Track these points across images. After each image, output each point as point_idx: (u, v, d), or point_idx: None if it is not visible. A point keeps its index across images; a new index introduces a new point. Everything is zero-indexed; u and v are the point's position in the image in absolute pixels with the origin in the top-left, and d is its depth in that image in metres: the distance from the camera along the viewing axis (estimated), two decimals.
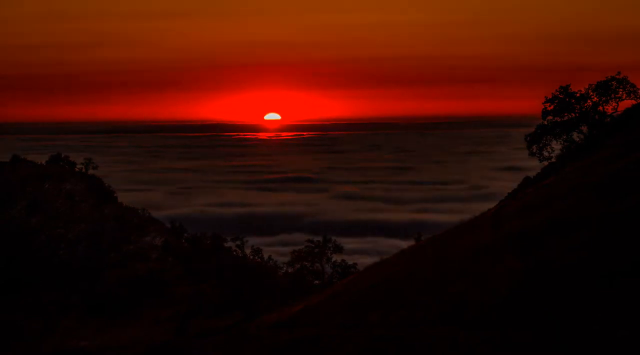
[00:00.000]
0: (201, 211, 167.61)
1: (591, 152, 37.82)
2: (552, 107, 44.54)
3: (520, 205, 31.34)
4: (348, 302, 28.73)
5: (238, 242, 61.44)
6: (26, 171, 75.32)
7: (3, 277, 60.80)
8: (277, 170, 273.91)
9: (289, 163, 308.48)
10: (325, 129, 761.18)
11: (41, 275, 61.52)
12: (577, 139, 44.00)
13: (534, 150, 44.20)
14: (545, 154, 44.12)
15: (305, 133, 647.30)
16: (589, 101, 44.14)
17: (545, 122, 44.58)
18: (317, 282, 53.16)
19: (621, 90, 43.58)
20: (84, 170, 77.13)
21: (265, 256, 60.91)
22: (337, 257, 54.00)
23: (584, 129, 44.11)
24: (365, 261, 52.86)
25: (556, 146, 44.40)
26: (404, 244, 56.31)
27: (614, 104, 43.87)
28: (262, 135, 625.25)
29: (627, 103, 43.78)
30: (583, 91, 44.30)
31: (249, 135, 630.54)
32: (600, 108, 44.00)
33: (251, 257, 60.73)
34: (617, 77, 43.68)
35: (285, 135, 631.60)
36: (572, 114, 44.27)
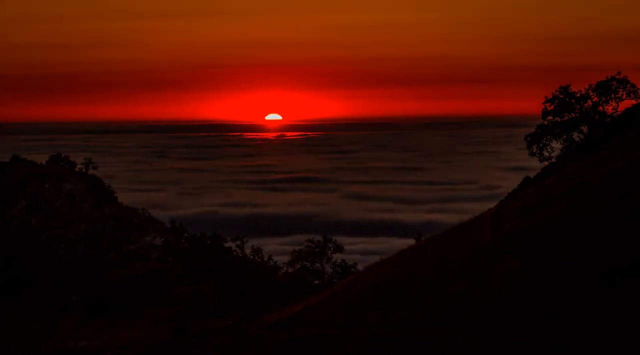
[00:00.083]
0: (212, 211, 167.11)
1: (591, 152, 37.83)
2: (552, 107, 44.56)
3: (520, 205, 31.34)
4: (348, 302, 28.73)
5: (238, 242, 61.43)
6: (26, 171, 75.33)
7: (3, 277, 60.81)
8: (284, 170, 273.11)
9: (296, 163, 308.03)
10: (326, 128, 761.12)
11: (41, 275, 61.53)
12: (577, 139, 44.02)
13: (534, 150, 44.24)
14: (546, 154, 44.14)
15: (310, 133, 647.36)
16: (589, 101, 44.16)
17: (546, 122, 44.60)
18: (317, 282, 53.16)
19: (621, 90, 43.61)
20: (84, 170, 77.13)
21: (265, 256, 60.91)
22: (337, 257, 54.01)
23: (584, 129, 44.13)
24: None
25: (556, 146, 44.43)
26: None
27: (614, 104, 43.90)
28: (266, 135, 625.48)
29: (627, 103, 43.82)
30: (583, 91, 44.33)
31: (253, 135, 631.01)
32: (600, 108, 44.02)
33: (251, 257, 60.73)
34: (617, 77, 43.70)
35: (290, 135, 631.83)
36: (572, 114, 44.29)
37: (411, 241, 48.70)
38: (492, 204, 38.49)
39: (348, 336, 22.86)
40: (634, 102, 43.50)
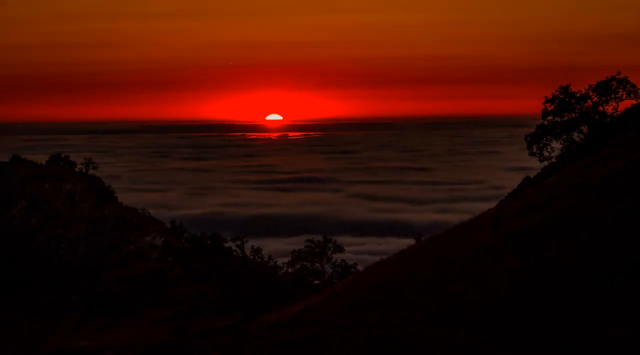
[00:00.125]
0: (218, 212, 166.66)
1: (591, 152, 37.83)
2: (552, 107, 44.56)
3: (520, 205, 31.33)
4: (348, 302, 28.73)
5: (238, 242, 61.43)
6: (26, 171, 75.32)
7: (3, 277, 60.79)
8: (288, 170, 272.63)
9: (300, 163, 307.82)
10: (326, 128, 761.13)
11: (41, 275, 61.52)
12: (577, 139, 44.01)
13: (534, 150, 44.25)
14: (546, 154, 44.14)
15: (313, 133, 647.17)
16: (589, 101, 44.15)
17: (545, 122, 44.60)
18: (317, 282, 53.15)
19: (621, 90, 43.60)
20: (84, 170, 77.13)
21: (265, 256, 60.92)
22: (337, 257, 54.00)
23: (584, 129, 44.13)
24: None
25: (556, 146, 44.43)
26: None
27: (614, 104, 43.89)
28: (268, 135, 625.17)
29: (627, 103, 43.82)
30: (583, 91, 44.33)
31: (255, 135, 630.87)
32: (600, 108, 44.01)
33: (251, 257, 60.73)
34: (617, 77, 43.69)
35: (292, 135, 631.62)
36: (572, 114, 44.29)
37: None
38: None
39: (348, 336, 22.85)
40: (634, 102, 43.50)
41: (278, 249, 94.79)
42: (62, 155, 79.14)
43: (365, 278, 33.37)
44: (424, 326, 20.96)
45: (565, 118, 44.40)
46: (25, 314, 56.40)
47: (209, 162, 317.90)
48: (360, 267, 49.98)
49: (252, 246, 61.43)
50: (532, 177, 44.07)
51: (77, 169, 77.45)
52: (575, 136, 44.18)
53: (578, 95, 44.26)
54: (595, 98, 44.10)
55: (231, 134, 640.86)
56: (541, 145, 44.15)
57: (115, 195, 75.05)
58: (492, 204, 39.34)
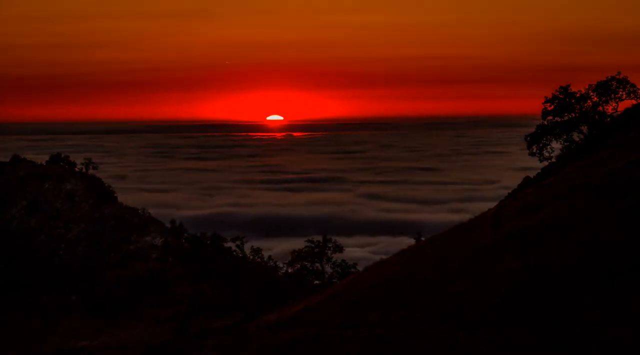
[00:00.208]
0: (227, 212, 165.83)
1: (591, 152, 37.82)
2: (552, 107, 44.57)
3: (520, 205, 31.33)
4: (348, 302, 28.72)
5: (238, 243, 61.41)
6: (26, 171, 75.27)
7: (3, 277, 60.77)
8: (295, 170, 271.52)
9: (306, 163, 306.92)
10: (327, 128, 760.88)
11: (41, 275, 61.50)
12: (577, 139, 44.02)
13: (534, 150, 44.27)
14: (546, 154, 44.16)
15: (316, 133, 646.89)
16: (589, 101, 44.16)
17: (545, 122, 44.62)
18: (317, 282, 53.13)
19: (621, 90, 43.61)
20: (84, 170, 77.10)
21: (265, 256, 60.89)
22: (337, 257, 53.98)
23: (584, 129, 44.13)
24: None
25: (556, 146, 44.44)
26: None
27: (614, 104, 43.91)
28: (273, 135, 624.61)
29: (627, 103, 43.83)
30: (583, 91, 44.34)
31: (259, 134, 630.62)
32: (600, 108, 44.01)
33: (251, 257, 60.71)
34: (617, 77, 43.70)
35: (297, 134, 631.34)
36: (572, 114, 44.30)
37: None
38: None
39: (348, 336, 22.84)
40: (634, 102, 43.51)
41: (288, 249, 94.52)
42: (62, 155, 79.11)
43: (365, 278, 33.36)
44: (424, 326, 20.95)
45: (565, 118, 44.42)
46: (25, 314, 56.37)
47: (214, 162, 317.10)
48: (360, 267, 50.00)
49: (252, 246, 61.43)
50: (532, 177, 44.08)
51: (77, 169, 77.42)
52: (575, 136, 44.18)
53: (578, 95, 44.27)
54: (595, 98, 44.11)
55: (234, 134, 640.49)
56: (541, 145, 44.17)
57: (115, 195, 75.03)
58: None
